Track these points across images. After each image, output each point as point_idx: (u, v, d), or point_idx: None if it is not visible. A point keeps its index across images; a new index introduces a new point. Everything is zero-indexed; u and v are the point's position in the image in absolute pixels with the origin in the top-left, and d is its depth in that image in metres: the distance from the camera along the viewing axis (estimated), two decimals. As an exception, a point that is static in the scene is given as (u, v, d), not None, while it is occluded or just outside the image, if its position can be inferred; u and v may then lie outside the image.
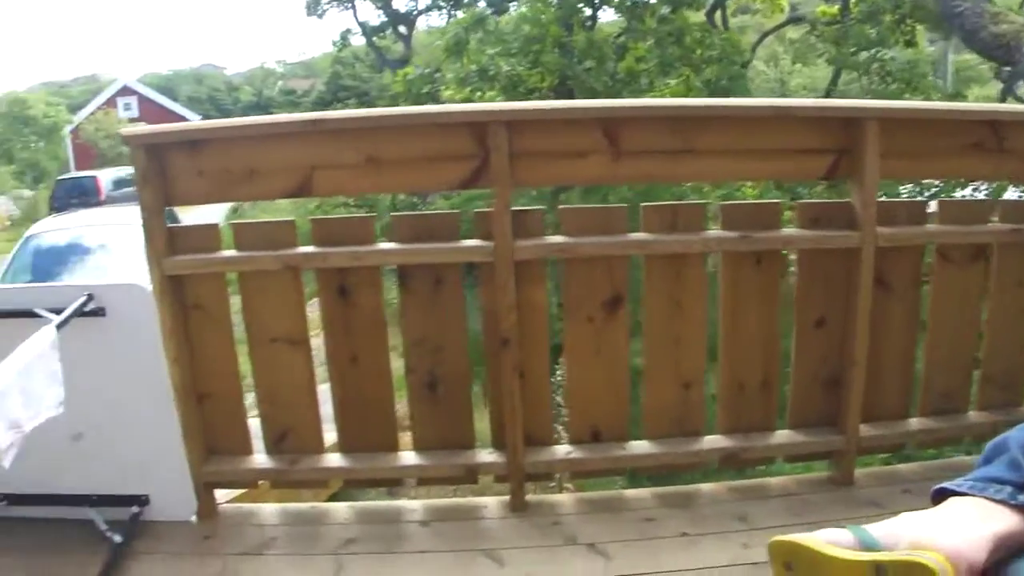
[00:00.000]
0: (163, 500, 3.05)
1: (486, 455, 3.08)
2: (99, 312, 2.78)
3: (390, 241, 2.96)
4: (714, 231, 3.03)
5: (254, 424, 3.15)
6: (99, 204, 19.23)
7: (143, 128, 3.08)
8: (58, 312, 2.65)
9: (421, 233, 2.93)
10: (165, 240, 2.88)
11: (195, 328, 2.97)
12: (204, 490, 3.07)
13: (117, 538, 2.90)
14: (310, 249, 2.92)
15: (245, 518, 3.08)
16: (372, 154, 2.85)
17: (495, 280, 2.87)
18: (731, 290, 3.07)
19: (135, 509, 3.04)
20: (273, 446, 3.12)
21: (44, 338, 2.48)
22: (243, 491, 3.60)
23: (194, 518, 3.07)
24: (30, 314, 2.76)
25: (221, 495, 3.24)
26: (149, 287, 2.84)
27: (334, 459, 3.11)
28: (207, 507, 3.08)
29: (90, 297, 2.77)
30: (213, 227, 2.99)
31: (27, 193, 30.05)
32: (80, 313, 2.70)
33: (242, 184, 2.91)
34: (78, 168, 32.49)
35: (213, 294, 2.96)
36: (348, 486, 3.31)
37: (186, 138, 2.93)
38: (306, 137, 2.88)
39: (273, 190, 2.97)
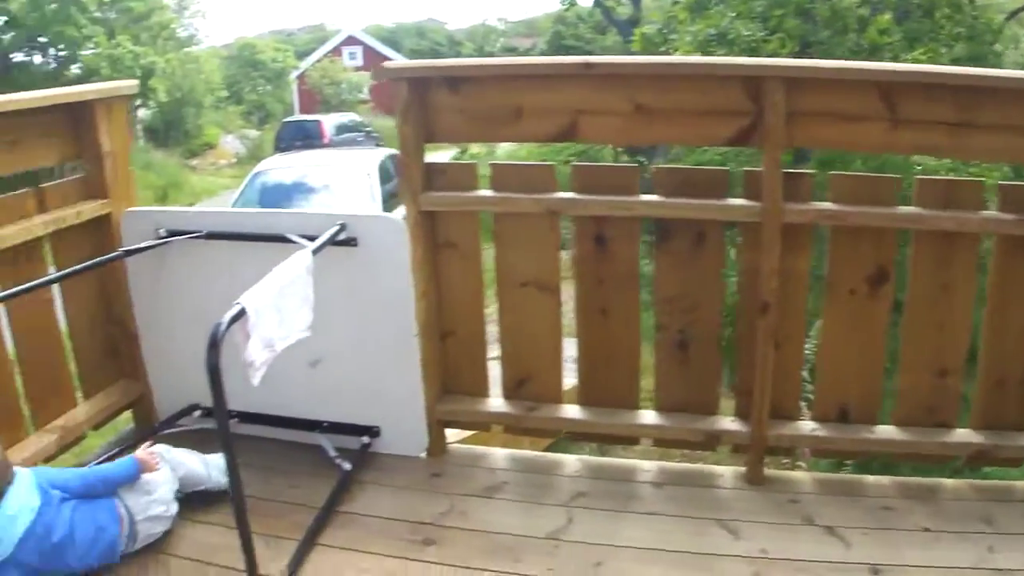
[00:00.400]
0: (394, 434, 3.35)
1: (728, 423, 3.19)
2: (351, 242, 3.09)
3: (653, 193, 3.08)
4: (991, 211, 3.00)
5: (492, 367, 3.40)
6: (322, 147, 20.24)
7: (408, 62, 3.36)
8: (310, 239, 2.95)
9: (685, 187, 3.05)
10: (422, 176, 3.16)
11: (444, 265, 3.23)
12: (436, 428, 3.34)
13: (347, 465, 3.21)
14: (570, 195, 3.09)
15: (474, 460, 3.34)
16: (641, 103, 2.98)
17: (760, 242, 2.95)
18: (1001, 277, 3.03)
19: (365, 440, 3.36)
20: (511, 391, 3.35)
21: (300, 262, 2.77)
22: (469, 433, 3.88)
23: (423, 455, 3.35)
24: (283, 239, 3.10)
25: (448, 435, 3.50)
26: (402, 220, 3.14)
27: (572, 410, 3.30)
28: (437, 445, 3.36)
29: (343, 227, 3.07)
30: (471, 166, 3.25)
31: (253, 133, 32.11)
32: (333, 242, 3.01)
33: (504, 125, 3.12)
34: (302, 112, 34.44)
35: (466, 233, 3.21)
36: (576, 439, 3.51)
37: (449, 74, 3.15)
38: (575, 81, 3.04)
39: (535, 133, 3.19)
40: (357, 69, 38.90)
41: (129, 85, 3.77)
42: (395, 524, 2.94)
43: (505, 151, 17.48)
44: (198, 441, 3.32)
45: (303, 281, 2.74)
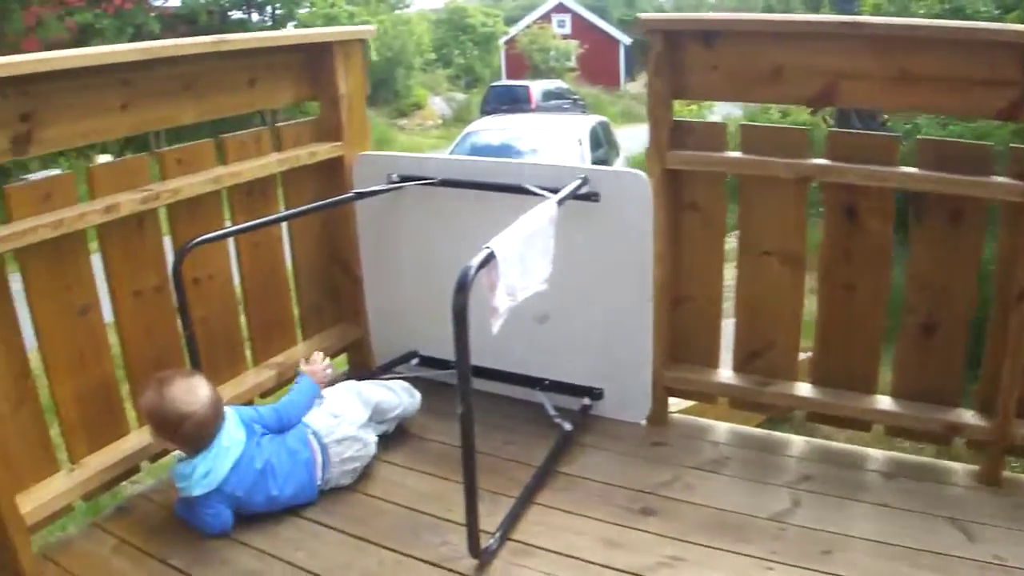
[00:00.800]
0: (617, 398, 3.28)
1: (969, 416, 2.98)
2: (592, 197, 3.02)
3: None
4: None
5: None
6: (529, 112, 20.40)
7: (663, 14, 3.27)
8: (552, 192, 2.91)
9: (946, 161, 2.85)
10: (669, 133, 3.05)
11: (686, 228, 3.13)
12: (660, 395, 3.25)
13: (567, 426, 3.17)
14: (825, 162, 2.93)
15: (697, 432, 3.24)
16: (906, 68, 2.80)
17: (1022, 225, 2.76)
18: None
19: (586, 401, 3.30)
20: (743, 363, 3.23)
21: (545, 212, 2.72)
22: (688, 404, 3.78)
23: (643, 422, 3.27)
24: (521, 190, 3.07)
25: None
26: (647, 177, 3.04)
27: (803, 388, 3.16)
28: (659, 413, 3.27)
29: (585, 180, 3.01)
30: (721, 125, 3.13)
31: (459, 96, 32.63)
32: (574, 196, 2.96)
33: (759, 85, 2.97)
34: (508, 77, 34.75)
35: (711, 195, 3.09)
36: (808, 420, 3.35)
37: (705, 28, 3.02)
38: (838, 42, 2.87)
39: (792, 95, 3.04)
40: (565, 37, 38.94)
41: (367, 30, 3.82)
42: (614, 490, 2.87)
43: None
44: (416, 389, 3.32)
45: (546, 232, 2.70)
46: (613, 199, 3.01)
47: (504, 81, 30.67)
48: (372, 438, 3.02)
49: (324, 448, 2.86)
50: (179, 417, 2.65)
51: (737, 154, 3.04)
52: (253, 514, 2.78)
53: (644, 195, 2.98)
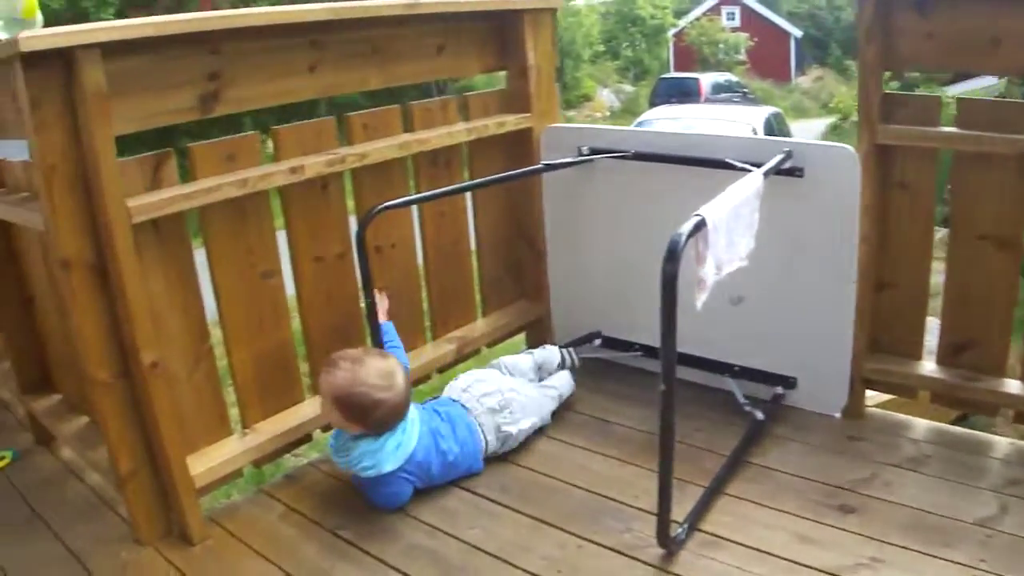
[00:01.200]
0: (811, 387, 3.09)
1: None
2: (796, 172, 2.84)
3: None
4: None
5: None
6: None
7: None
8: (754, 167, 2.73)
9: None
10: (880, 105, 2.85)
11: (894, 208, 2.90)
12: (858, 387, 3.04)
13: (759, 415, 3.00)
14: None
15: (895, 428, 3.01)
16: None
17: None
18: None
19: (779, 390, 3.12)
20: (947, 357, 2.99)
21: (751, 184, 2.56)
22: (885, 397, 3.55)
23: (838, 415, 3.07)
24: (719, 165, 2.91)
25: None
26: (855, 153, 2.84)
27: (1014, 385, 2.90)
28: (856, 406, 3.06)
29: (789, 154, 2.83)
30: (934, 98, 2.90)
31: (628, 88, 32.51)
32: (776, 171, 2.79)
33: (977, 54, 2.73)
34: (677, 70, 34.43)
35: (921, 173, 2.86)
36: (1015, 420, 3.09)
37: None
38: None
39: (1011, 65, 2.80)
40: (734, 30, 38.35)
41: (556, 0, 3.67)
42: (808, 484, 2.69)
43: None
44: (592, 371, 3.26)
45: (751, 206, 2.54)
46: (818, 175, 2.82)
47: (674, 74, 30.46)
48: (530, 413, 2.97)
49: (475, 412, 2.87)
50: (373, 404, 2.58)
51: (952, 129, 2.80)
52: (427, 488, 2.74)
53: (851, 171, 2.78)
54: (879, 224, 2.91)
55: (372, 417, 2.58)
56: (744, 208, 2.48)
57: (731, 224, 2.39)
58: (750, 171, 2.66)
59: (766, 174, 2.64)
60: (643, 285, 3.21)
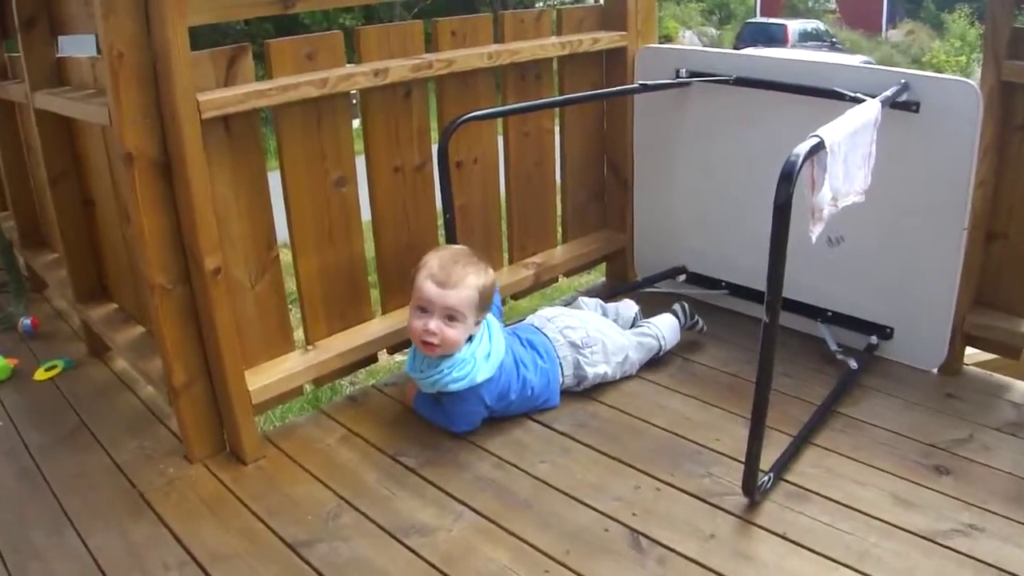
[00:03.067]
0: (908, 339, 2.92)
1: None
2: (911, 107, 2.65)
3: None
4: None
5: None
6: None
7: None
8: (869, 96, 2.55)
9: None
10: (1009, 39, 2.66)
11: (1014, 152, 2.70)
12: (959, 342, 2.88)
13: (852, 364, 2.85)
14: None
15: (995, 389, 2.84)
16: None
17: None
18: None
19: (873, 340, 2.96)
20: (1055, 315, 2.79)
21: (868, 112, 2.38)
22: (985, 358, 3.41)
23: (935, 370, 2.91)
24: (828, 94, 2.74)
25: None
26: (978, 89, 2.66)
27: None
28: (954, 362, 2.89)
29: (905, 86, 2.66)
30: None
31: (712, 31, 32.09)
32: (892, 103, 2.61)
33: None
34: (763, 15, 33.82)
35: (1047, 116, 2.68)
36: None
37: None
38: None
39: None
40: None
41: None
42: (902, 440, 2.54)
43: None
44: (669, 307, 3.13)
45: (869, 135, 2.36)
46: (935, 111, 2.62)
47: (760, 19, 29.95)
48: (618, 339, 2.89)
49: (553, 337, 2.79)
50: (493, 281, 2.61)
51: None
52: (500, 418, 2.66)
53: (972, 109, 2.57)
54: (997, 169, 2.72)
55: (492, 301, 2.60)
56: (862, 137, 2.30)
57: (849, 152, 2.21)
58: (862, 102, 2.50)
59: (883, 103, 2.47)
60: (736, 219, 3.11)
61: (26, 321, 3.61)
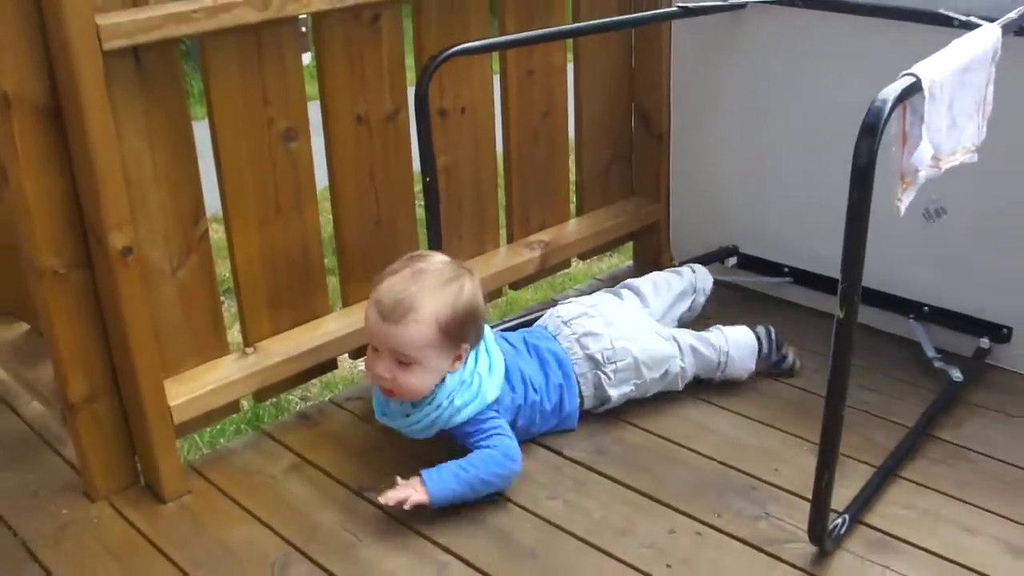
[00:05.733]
0: (1028, 343, 2.92)
1: None
2: None
3: None
4: None
5: None
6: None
7: None
8: (985, 20, 2.48)
9: None
10: None
11: None
12: (1097, 348, 2.86)
13: (955, 374, 2.86)
14: None
15: None
16: None
17: None
18: None
19: (984, 343, 2.97)
20: None
21: (983, 41, 2.30)
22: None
23: (1067, 382, 2.89)
24: (936, 19, 2.70)
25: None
26: None
27: None
28: (1090, 373, 2.88)
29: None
30: None
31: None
32: (1017, 28, 2.51)
33: None
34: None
35: None
36: None
37: None
38: None
39: None
40: None
41: None
42: (1021, 475, 2.54)
43: None
44: (722, 299, 3.19)
45: (985, 73, 2.31)
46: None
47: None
48: (654, 345, 2.83)
49: (571, 335, 2.77)
50: (479, 308, 2.50)
51: None
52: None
53: None
54: None
55: (477, 327, 2.50)
56: (975, 75, 2.25)
57: (956, 95, 2.17)
58: (976, 27, 2.47)
59: (1005, 29, 2.43)
60: (803, 186, 3.12)
61: None
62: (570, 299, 2.97)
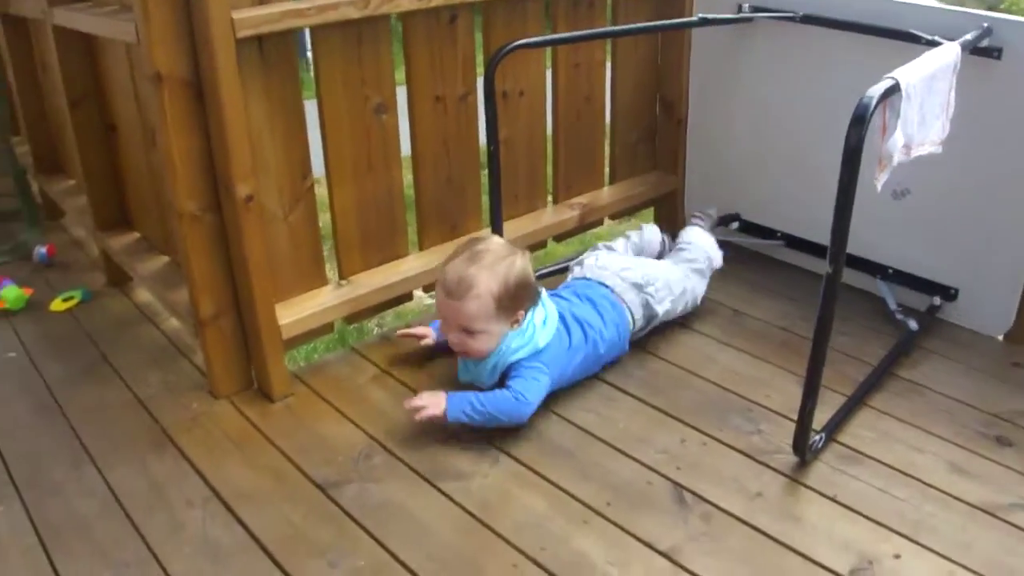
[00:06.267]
0: (972, 302, 2.93)
1: None
2: (993, 53, 2.62)
3: None
4: None
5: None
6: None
7: None
8: (947, 40, 2.50)
9: None
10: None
11: None
12: (1024, 310, 2.87)
13: (912, 324, 2.87)
14: None
15: (1061, 359, 2.83)
16: None
17: None
18: None
19: (936, 301, 2.98)
20: None
21: (947, 56, 2.36)
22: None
23: (1000, 337, 2.92)
24: (902, 36, 2.72)
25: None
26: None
27: None
28: (1022, 330, 2.90)
29: (988, 30, 2.61)
30: None
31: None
32: (972, 47, 2.56)
33: None
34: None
35: None
36: None
37: None
38: None
39: None
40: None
41: None
42: (963, 408, 2.55)
43: None
44: (726, 257, 3.12)
45: (947, 81, 2.36)
46: (1019, 57, 2.61)
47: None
48: (673, 271, 2.88)
49: (625, 283, 2.76)
50: (529, 283, 2.47)
51: None
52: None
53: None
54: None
55: (530, 294, 2.48)
56: (940, 83, 2.30)
57: (925, 97, 2.21)
58: (939, 45, 2.49)
59: (963, 47, 2.45)
60: (796, 166, 3.12)
61: (41, 250, 3.66)
62: (585, 255, 2.97)
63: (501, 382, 2.44)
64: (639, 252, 3.08)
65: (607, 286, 2.74)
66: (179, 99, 2.31)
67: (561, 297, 2.70)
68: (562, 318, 2.55)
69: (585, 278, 2.80)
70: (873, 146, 2.05)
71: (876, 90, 1.97)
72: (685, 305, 2.89)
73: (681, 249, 3.01)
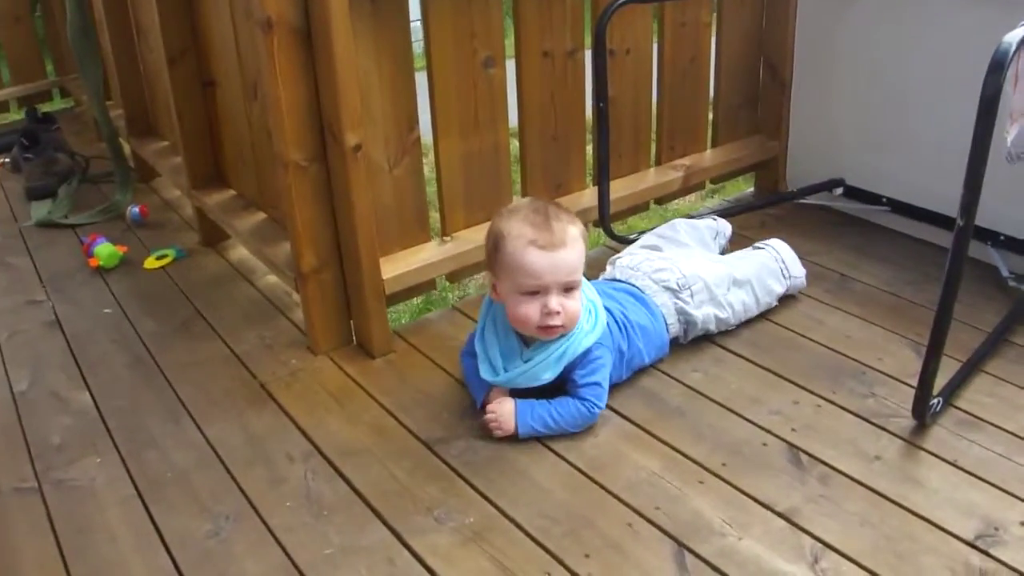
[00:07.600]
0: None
1: None
2: None
3: None
4: None
5: None
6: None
7: None
8: None
9: None
10: None
11: None
12: None
13: (1026, 291, 2.77)
14: None
15: None
16: None
17: None
18: None
19: (1050, 267, 2.88)
20: None
21: None
22: None
23: None
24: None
25: None
26: None
27: None
28: None
29: None
30: None
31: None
32: None
33: None
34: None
35: None
36: None
37: None
38: None
39: None
40: None
41: None
42: (1080, 375, 2.45)
43: None
44: (831, 221, 3.12)
45: None
46: None
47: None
48: (716, 270, 2.65)
49: (658, 286, 2.55)
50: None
51: None
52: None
53: None
54: None
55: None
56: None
57: None
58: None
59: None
60: (904, 130, 3.03)
61: (134, 209, 3.69)
62: (623, 253, 2.81)
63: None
64: (715, 235, 2.97)
65: (638, 287, 2.55)
66: (288, 46, 2.29)
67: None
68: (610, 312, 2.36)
69: (615, 279, 2.61)
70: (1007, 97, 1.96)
71: (1014, 36, 1.88)
72: (760, 305, 2.72)
73: (759, 248, 2.84)
